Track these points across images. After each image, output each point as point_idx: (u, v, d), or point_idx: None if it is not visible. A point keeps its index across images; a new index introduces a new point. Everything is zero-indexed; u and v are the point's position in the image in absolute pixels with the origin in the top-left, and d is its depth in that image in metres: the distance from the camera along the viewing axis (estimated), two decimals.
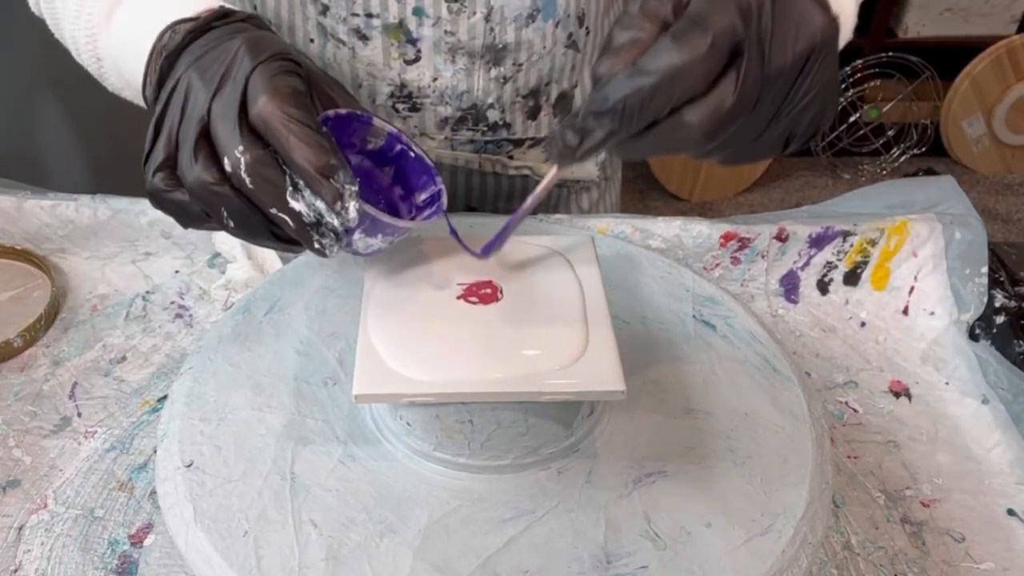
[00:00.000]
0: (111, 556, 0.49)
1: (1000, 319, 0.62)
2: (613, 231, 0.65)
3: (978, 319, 0.63)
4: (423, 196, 0.50)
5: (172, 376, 0.59)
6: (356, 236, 0.44)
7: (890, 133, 2.41)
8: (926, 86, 2.34)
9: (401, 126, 0.69)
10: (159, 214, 0.67)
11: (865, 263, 0.67)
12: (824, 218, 0.68)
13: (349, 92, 0.49)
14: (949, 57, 2.31)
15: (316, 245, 0.42)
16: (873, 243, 0.66)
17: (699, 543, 0.42)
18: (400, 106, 0.67)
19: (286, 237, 0.43)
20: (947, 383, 0.62)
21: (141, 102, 0.52)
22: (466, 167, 0.72)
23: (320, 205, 0.41)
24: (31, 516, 0.51)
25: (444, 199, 0.49)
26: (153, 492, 0.51)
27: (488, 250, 0.47)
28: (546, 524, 0.42)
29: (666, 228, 0.66)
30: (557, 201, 0.79)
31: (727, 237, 0.66)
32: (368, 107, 0.68)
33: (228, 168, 0.41)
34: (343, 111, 0.47)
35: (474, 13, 0.63)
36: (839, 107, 2.32)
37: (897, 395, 0.61)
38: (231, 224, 0.42)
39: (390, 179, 0.51)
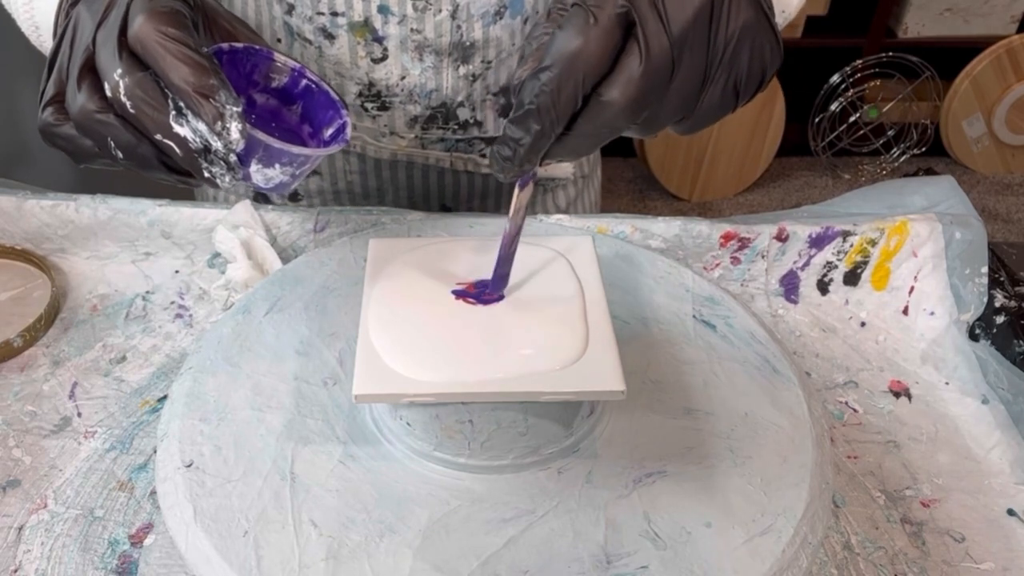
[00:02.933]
0: (111, 556, 0.49)
1: (1000, 319, 0.62)
2: (613, 231, 0.65)
3: (978, 319, 0.63)
4: (330, 131, 0.49)
5: (172, 376, 0.59)
6: (253, 168, 0.43)
7: (890, 133, 2.41)
8: (926, 86, 2.34)
9: (371, 125, 0.69)
10: (159, 214, 0.67)
11: (865, 263, 0.67)
12: (824, 218, 0.68)
13: (253, 30, 0.48)
14: (949, 57, 2.31)
15: (206, 174, 0.41)
16: (873, 243, 0.66)
17: (699, 543, 0.42)
18: (369, 105, 0.67)
19: (178, 167, 0.42)
20: (947, 383, 0.62)
21: None
22: (438, 166, 0.72)
23: (202, 127, 0.40)
24: (31, 516, 0.51)
25: (348, 131, 0.48)
26: (153, 492, 0.51)
27: (498, 287, 0.47)
28: (546, 524, 0.42)
29: (666, 228, 0.66)
30: (533, 200, 0.78)
31: (727, 237, 0.66)
32: None
33: (109, 94, 0.41)
34: (239, 44, 0.46)
35: (440, 10, 0.62)
36: (839, 107, 2.32)
37: (897, 395, 0.61)
38: (120, 156, 0.42)
39: (298, 117, 0.50)
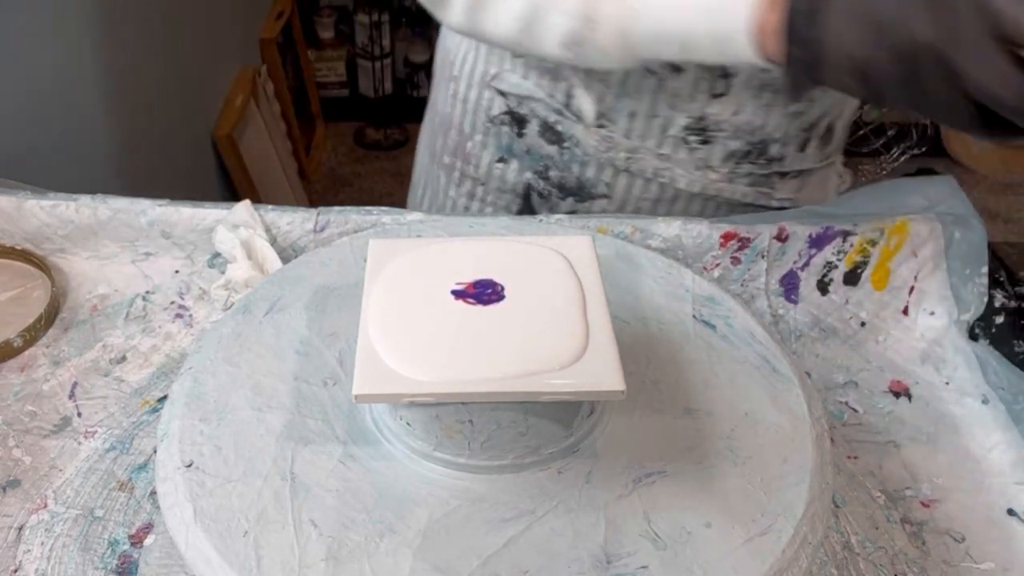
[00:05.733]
0: (111, 556, 0.49)
1: (1000, 319, 0.62)
2: (613, 231, 0.65)
3: (978, 319, 0.63)
4: None
5: (172, 376, 0.59)
6: None
7: (890, 133, 2.41)
8: None
9: (687, 157, 0.69)
10: (159, 214, 0.67)
11: (865, 263, 0.67)
12: (824, 218, 0.68)
13: None
14: None
15: None
16: (873, 243, 0.66)
17: (699, 543, 0.42)
18: (692, 138, 0.68)
19: None
20: (947, 383, 0.62)
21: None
22: (740, 200, 0.72)
23: None
24: (31, 516, 0.51)
25: None
26: (153, 492, 0.51)
27: None
28: (546, 524, 0.42)
29: (666, 228, 0.66)
30: None
31: (727, 237, 0.66)
32: (656, 138, 0.69)
33: None
34: None
35: None
36: None
37: (897, 395, 0.61)
38: None
39: None
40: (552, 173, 0.74)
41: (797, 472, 0.45)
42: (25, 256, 0.67)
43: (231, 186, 1.72)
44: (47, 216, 0.67)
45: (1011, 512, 0.53)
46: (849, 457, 0.57)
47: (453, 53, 0.77)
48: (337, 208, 0.68)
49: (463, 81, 0.77)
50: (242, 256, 0.64)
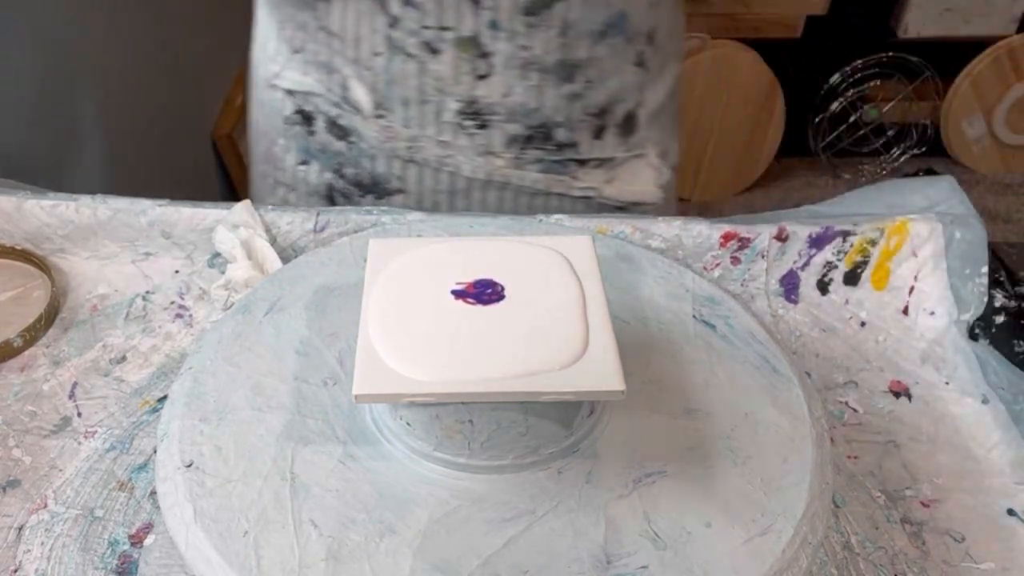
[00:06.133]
0: (111, 556, 0.49)
1: (1000, 319, 0.62)
2: (613, 231, 0.65)
3: (978, 319, 0.63)
4: None
5: (172, 376, 0.59)
6: None
7: (890, 133, 2.41)
8: (926, 86, 2.34)
9: (467, 143, 0.69)
10: (159, 214, 0.67)
11: (865, 263, 0.67)
12: (824, 218, 0.68)
13: None
14: (949, 57, 2.30)
15: None
16: (873, 243, 0.66)
17: (699, 543, 0.42)
18: (467, 123, 0.67)
19: None
20: (947, 383, 0.62)
21: None
22: (532, 187, 0.71)
23: None
24: (31, 516, 0.51)
25: None
26: (153, 492, 0.51)
27: None
28: (546, 524, 0.42)
29: (666, 228, 0.66)
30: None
31: (727, 237, 0.66)
32: (434, 125, 0.68)
33: None
34: None
35: (550, 28, 0.62)
36: (839, 107, 2.32)
37: (897, 395, 0.61)
38: None
39: None
40: (347, 171, 0.74)
41: (797, 472, 0.45)
42: (25, 256, 0.67)
43: (231, 186, 1.72)
44: (47, 216, 0.67)
45: (1011, 512, 0.53)
46: (849, 457, 0.57)
47: (251, 56, 0.77)
48: (337, 208, 0.68)
49: (259, 85, 0.77)
50: (242, 256, 0.64)
